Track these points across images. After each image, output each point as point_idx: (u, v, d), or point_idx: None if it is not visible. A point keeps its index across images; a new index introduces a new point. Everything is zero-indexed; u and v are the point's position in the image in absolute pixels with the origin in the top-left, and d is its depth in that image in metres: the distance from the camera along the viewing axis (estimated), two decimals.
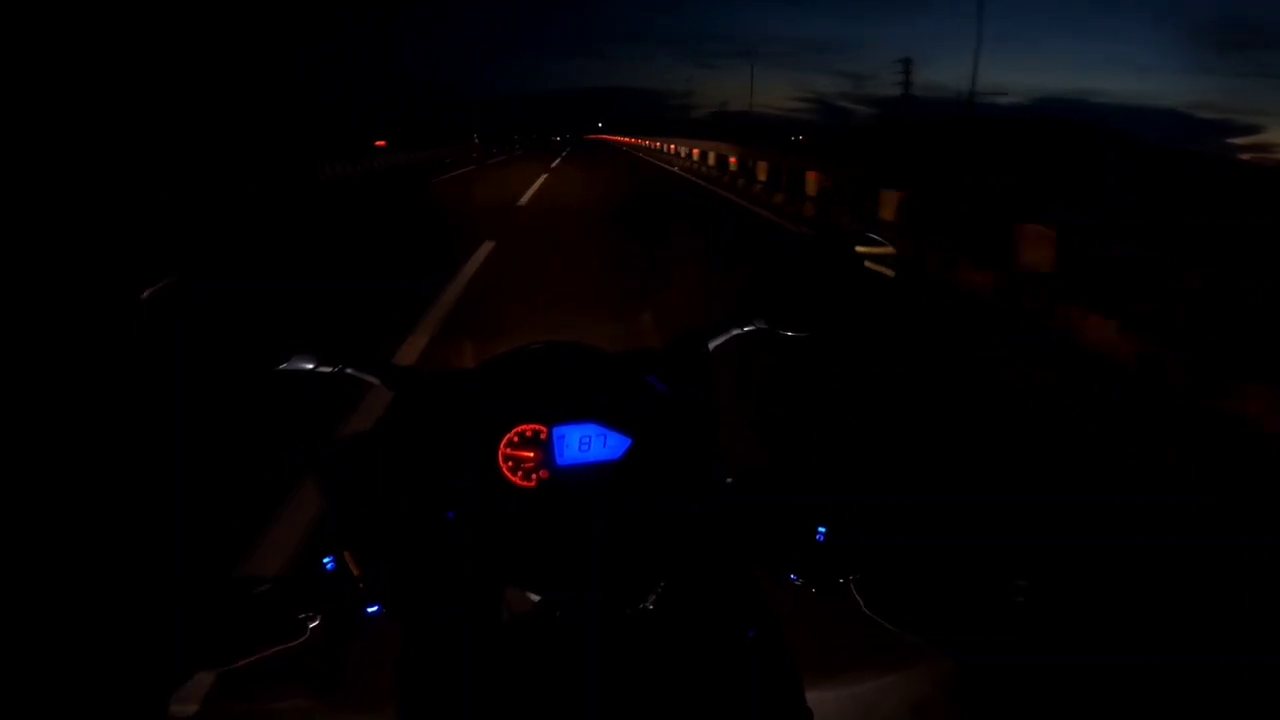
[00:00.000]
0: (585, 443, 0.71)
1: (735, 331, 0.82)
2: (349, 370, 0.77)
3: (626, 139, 60.79)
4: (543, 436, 0.70)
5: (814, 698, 0.64)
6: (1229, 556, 2.09)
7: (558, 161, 28.48)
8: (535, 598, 0.67)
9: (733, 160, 17.51)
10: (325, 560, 0.63)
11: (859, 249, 0.81)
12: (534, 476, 0.70)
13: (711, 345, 0.81)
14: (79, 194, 9.60)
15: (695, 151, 23.09)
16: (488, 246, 7.44)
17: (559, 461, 0.71)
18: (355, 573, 0.63)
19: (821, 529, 0.66)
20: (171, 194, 11.76)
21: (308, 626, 0.61)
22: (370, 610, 0.63)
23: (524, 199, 13.19)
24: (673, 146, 30.26)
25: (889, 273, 0.80)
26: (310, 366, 0.75)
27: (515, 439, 0.70)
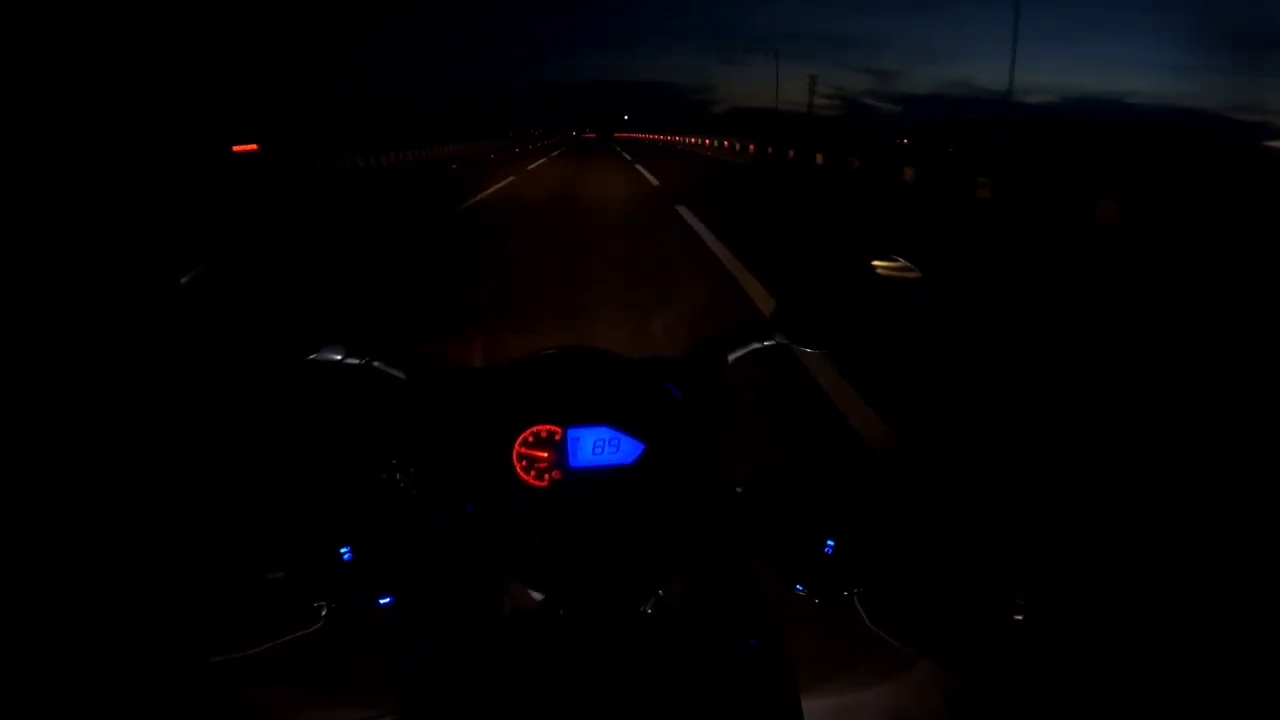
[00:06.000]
0: (599, 446, 0.72)
1: (755, 345, 0.82)
2: (376, 363, 0.77)
3: (664, 136, 61.93)
4: (557, 438, 0.71)
5: (812, 708, 0.65)
6: (1229, 564, 2.10)
7: None
8: (538, 596, 0.68)
9: (752, 147, 30.84)
10: (343, 550, 0.64)
11: (876, 264, 0.81)
12: (547, 477, 0.71)
13: (730, 358, 0.81)
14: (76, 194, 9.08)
15: (725, 143, 37.70)
16: None
17: (572, 463, 0.72)
18: (371, 563, 0.64)
19: (830, 541, 0.67)
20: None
21: (320, 615, 0.62)
22: (383, 601, 0.64)
23: None
24: (709, 141, 42.33)
25: (915, 274, 0.80)
26: (339, 358, 0.75)
27: (530, 439, 0.71)
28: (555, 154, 31.33)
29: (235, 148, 17.79)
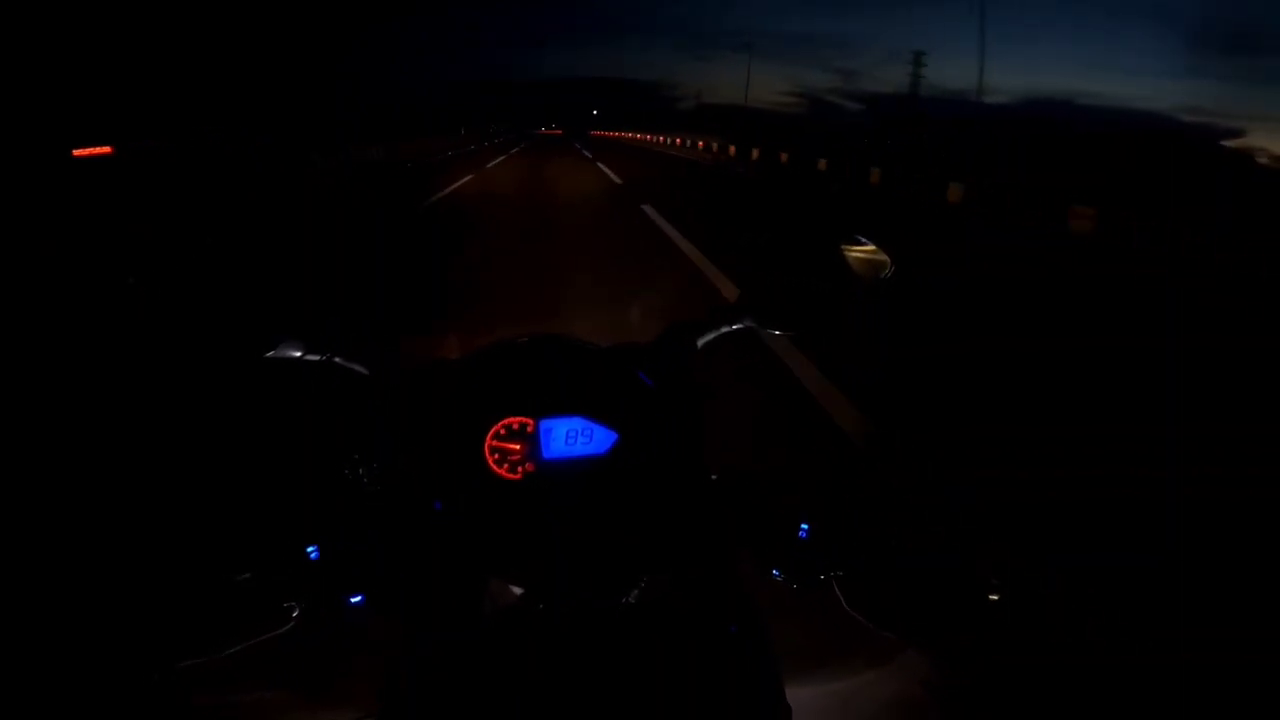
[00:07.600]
0: (572, 436, 0.71)
1: (724, 329, 0.82)
2: (337, 359, 0.76)
3: (639, 135, 59.82)
4: (529, 429, 0.71)
5: (794, 693, 0.65)
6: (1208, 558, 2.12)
7: None
8: (518, 590, 0.67)
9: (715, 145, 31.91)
10: (309, 549, 0.63)
11: (845, 249, 0.81)
12: (520, 469, 0.70)
13: (700, 342, 0.81)
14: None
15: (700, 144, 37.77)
16: None
17: (545, 455, 0.71)
18: (339, 562, 0.63)
19: (804, 525, 0.67)
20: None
21: (290, 616, 0.61)
22: (353, 600, 0.63)
23: None
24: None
25: (885, 261, 0.80)
26: (298, 354, 0.74)
27: (502, 431, 0.70)
28: (495, 162, 21.83)
29: (78, 152, 13.45)
